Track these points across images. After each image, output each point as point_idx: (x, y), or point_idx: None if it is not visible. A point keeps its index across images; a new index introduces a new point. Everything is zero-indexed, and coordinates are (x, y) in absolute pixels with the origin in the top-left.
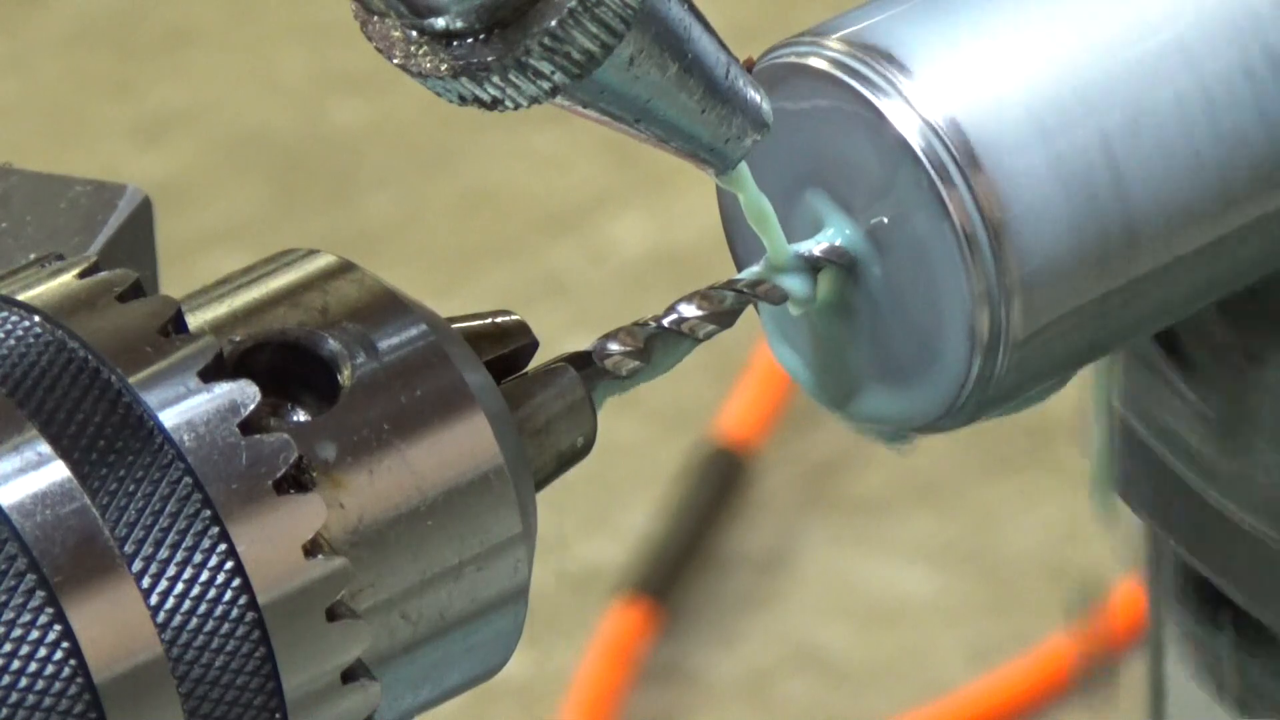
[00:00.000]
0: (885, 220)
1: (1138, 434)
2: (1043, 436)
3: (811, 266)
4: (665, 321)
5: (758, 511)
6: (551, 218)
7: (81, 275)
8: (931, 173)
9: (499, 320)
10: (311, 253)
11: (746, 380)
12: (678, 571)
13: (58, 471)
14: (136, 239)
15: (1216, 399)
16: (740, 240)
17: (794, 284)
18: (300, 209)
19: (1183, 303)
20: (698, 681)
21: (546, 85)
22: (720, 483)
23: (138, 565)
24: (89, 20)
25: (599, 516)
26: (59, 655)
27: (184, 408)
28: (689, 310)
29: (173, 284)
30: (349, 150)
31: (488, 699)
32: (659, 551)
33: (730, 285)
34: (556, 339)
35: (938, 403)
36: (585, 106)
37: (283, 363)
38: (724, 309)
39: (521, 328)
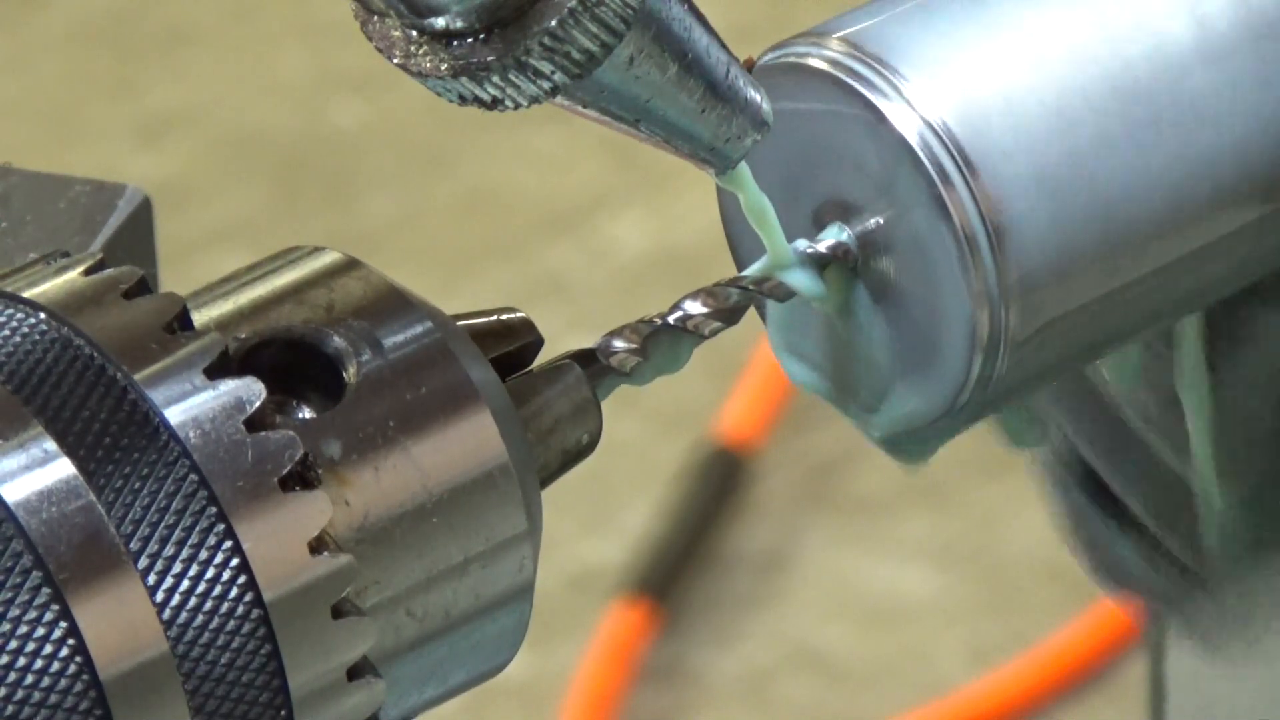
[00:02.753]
0: (885, 221)
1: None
2: None
3: (813, 264)
4: (670, 319)
5: (758, 511)
6: (551, 218)
7: (87, 272)
8: (931, 174)
9: (504, 317)
10: (317, 250)
11: (746, 380)
12: (678, 571)
13: (63, 468)
14: (136, 239)
15: (1149, 350)
16: (740, 240)
17: (800, 280)
18: (300, 209)
19: (1182, 303)
20: (698, 681)
21: (546, 85)
22: (720, 483)
23: (143, 562)
24: (89, 20)
25: (599, 516)
26: (64, 652)
27: (189, 405)
28: (694, 307)
29: (173, 284)
30: (349, 150)
31: (488, 699)
32: (659, 551)
33: (735, 282)
34: (557, 339)
35: (938, 403)
36: (585, 106)
37: (288, 360)
38: (729, 306)
39: (527, 325)
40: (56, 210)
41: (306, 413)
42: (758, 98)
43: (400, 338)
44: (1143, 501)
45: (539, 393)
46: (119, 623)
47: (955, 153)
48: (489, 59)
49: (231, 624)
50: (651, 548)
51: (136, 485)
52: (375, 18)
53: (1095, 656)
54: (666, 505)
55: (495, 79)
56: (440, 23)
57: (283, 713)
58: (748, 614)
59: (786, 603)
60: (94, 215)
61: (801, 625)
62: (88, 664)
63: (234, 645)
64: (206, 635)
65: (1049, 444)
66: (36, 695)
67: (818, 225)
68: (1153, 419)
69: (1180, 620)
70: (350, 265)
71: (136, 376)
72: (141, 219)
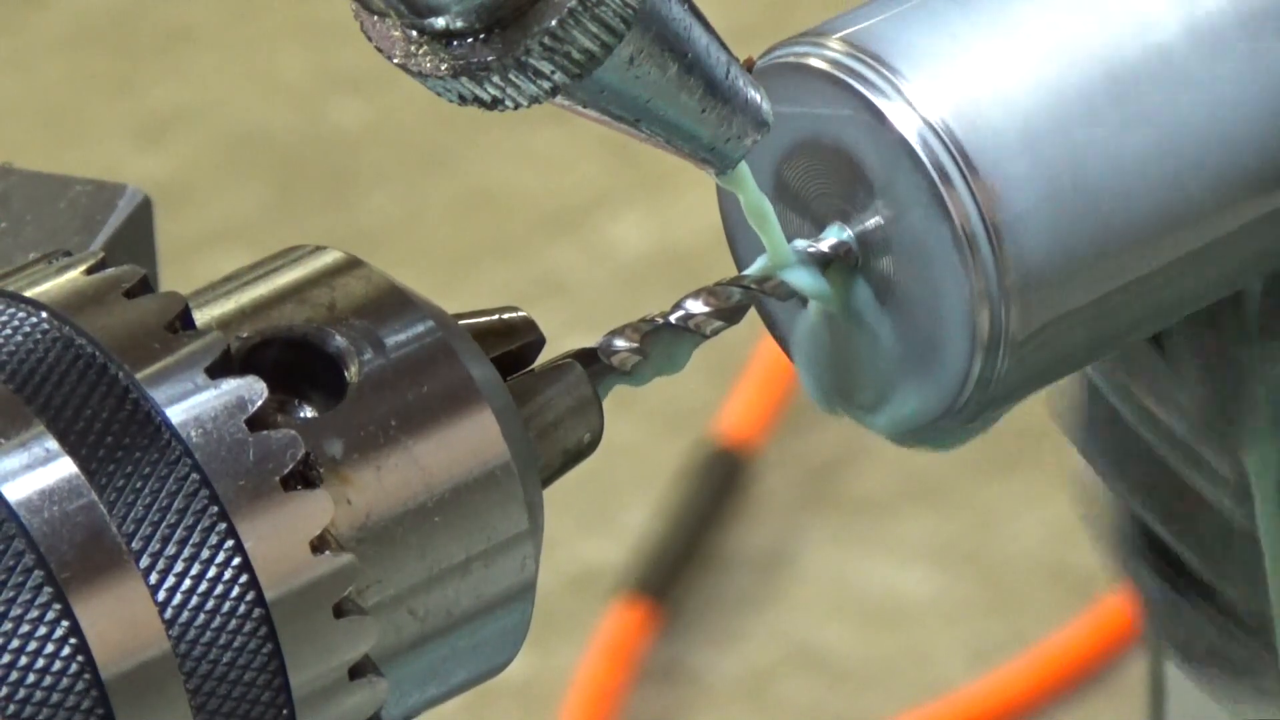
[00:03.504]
0: (885, 221)
1: (1110, 403)
2: (1043, 436)
3: (813, 264)
4: (672, 318)
5: (758, 511)
6: (551, 218)
7: (89, 271)
8: (931, 173)
9: (505, 316)
10: (318, 249)
11: (746, 380)
12: (678, 571)
13: (65, 468)
14: (136, 239)
15: (1197, 390)
16: (740, 240)
17: (801, 279)
18: (300, 209)
19: (1182, 303)
20: (698, 681)
21: (546, 85)
22: (720, 483)
23: (145, 561)
24: (89, 20)
25: (599, 516)
26: (66, 651)
27: (191, 404)
28: (696, 306)
29: (173, 284)
30: (349, 150)
31: (487, 699)
32: (659, 551)
33: (737, 281)
34: (557, 339)
35: (938, 403)
36: (585, 106)
37: (290, 359)
38: (731, 305)
39: (528, 324)
40: (56, 210)
41: (308, 412)
42: (758, 98)
43: (402, 337)
44: (1206, 559)
45: (540, 391)
46: (120, 622)
47: (955, 152)
48: (489, 59)
49: (233, 623)
50: (651, 548)
51: (138, 484)
52: (375, 18)
53: (1095, 656)
54: (666, 505)
55: (495, 79)
56: (440, 23)
57: (284, 712)
58: (748, 614)
59: (786, 603)
60: (94, 215)
61: (801, 625)
62: (89, 663)
63: (235, 644)
64: (208, 634)
65: (1105, 508)
66: (38, 695)
67: (818, 225)
68: (1207, 467)
69: (1251, 685)
70: (352, 264)
71: (138, 375)
72: (141, 219)
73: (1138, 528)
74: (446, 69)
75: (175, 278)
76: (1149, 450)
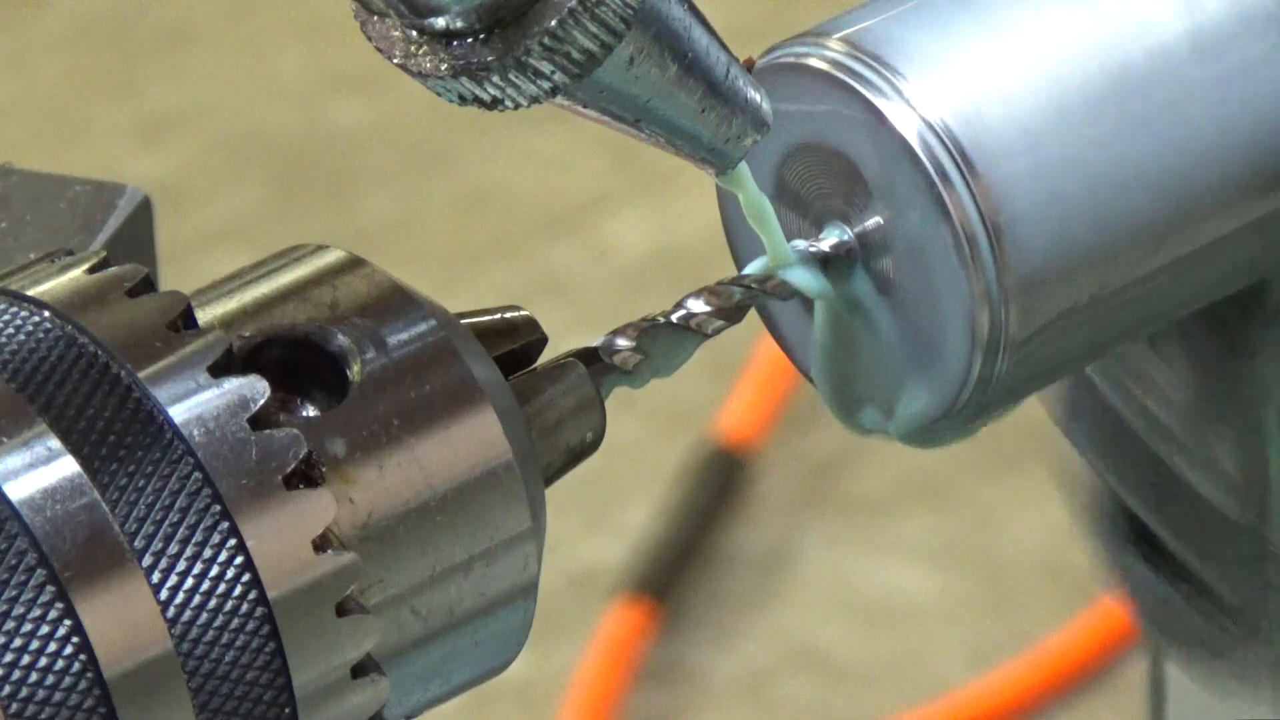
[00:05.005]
0: (885, 221)
1: (1098, 391)
2: (1043, 436)
3: (813, 264)
4: (674, 317)
5: (758, 511)
6: (551, 218)
7: (91, 270)
8: (931, 174)
9: (508, 315)
10: (321, 248)
11: (746, 380)
12: (678, 571)
13: (68, 466)
14: (136, 239)
15: (1190, 385)
16: (740, 240)
17: (801, 278)
18: (300, 209)
19: (1182, 303)
20: (698, 681)
21: (546, 85)
22: (720, 483)
23: (147, 560)
24: (89, 20)
25: (599, 516)
26: (69, 650)
27: (194, 403)
28: (697, 306)
29: (173, 284)
30: (349, 150)
31: (487, 699)
32: (659, 551)
33: (738, 281)
34: (558, 339)
35: (939, 403)
36: (585, 106)
37: (292, 358)
38: (732, 305)
39: (530, 323)
40: (56, 210)
41: (310, 411)
42: (758, 98)
43: (404, 336)
44: (1193, 547)
45: (543, 391)
46: (123, 621)
47: (955, 152)
48: (489, 59)
49: (235, 622)
50: (651, 548)
51: (140, 483)
52: (375, 18)
53: (1095, 656)
54: (666, 505)
55: (495, 79)
56: (440, 23)
57: (287, 710)
58: (748, 614)
59: (786, 603)
60: (94, 215)
61: (801, 625)
62: (92, 662)
63: (238, 643)
64: (210, 633)
65: (1090, 495)
66: (41, 693)
67: (818, 226)
68: (1199, 459)
69: (1234, 671)
70: (354, 263)
71: (140, 374)
72: (141, 219)
73: (1124, 514)
74: (446, 69)
75: (175, 278)
76: (1136, 437)
